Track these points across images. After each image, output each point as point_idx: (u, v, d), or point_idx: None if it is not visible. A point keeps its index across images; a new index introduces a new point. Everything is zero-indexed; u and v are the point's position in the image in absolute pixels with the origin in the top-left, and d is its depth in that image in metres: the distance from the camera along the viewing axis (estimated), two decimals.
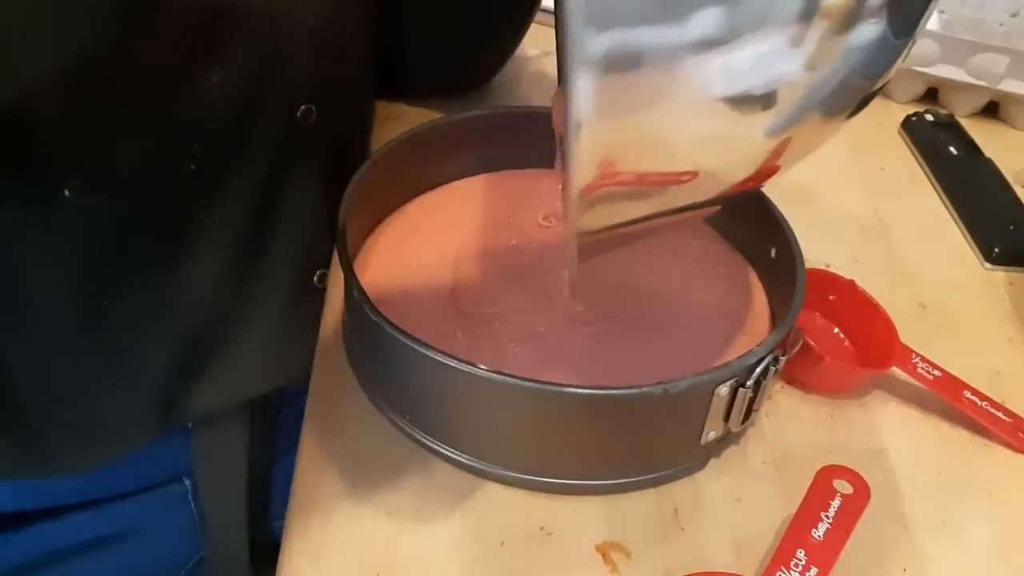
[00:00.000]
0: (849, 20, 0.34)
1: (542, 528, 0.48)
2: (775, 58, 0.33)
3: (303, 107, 0.51)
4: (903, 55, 0.38)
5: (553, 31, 0.42)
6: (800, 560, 0.42)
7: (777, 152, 0.39)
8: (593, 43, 0.31)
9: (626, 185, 0.37)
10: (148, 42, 0.42)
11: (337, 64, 0.55)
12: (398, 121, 0.73)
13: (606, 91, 0.32)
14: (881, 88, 0.39)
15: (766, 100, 0.35)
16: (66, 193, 0.43)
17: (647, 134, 0.35)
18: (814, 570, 0.42)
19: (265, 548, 0.63)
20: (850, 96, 0.38)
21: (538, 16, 0.71)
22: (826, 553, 0.43)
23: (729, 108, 0.34)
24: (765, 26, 0.33)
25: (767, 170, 0.41)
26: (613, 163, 0.35)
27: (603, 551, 0.47)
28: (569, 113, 0.33)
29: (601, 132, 0.33)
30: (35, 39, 0.36)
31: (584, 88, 0.32)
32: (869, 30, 0.34)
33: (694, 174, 0.38)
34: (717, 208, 0.46)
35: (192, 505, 0.61)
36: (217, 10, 0.44)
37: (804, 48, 0.34)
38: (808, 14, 0.33)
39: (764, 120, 0.36)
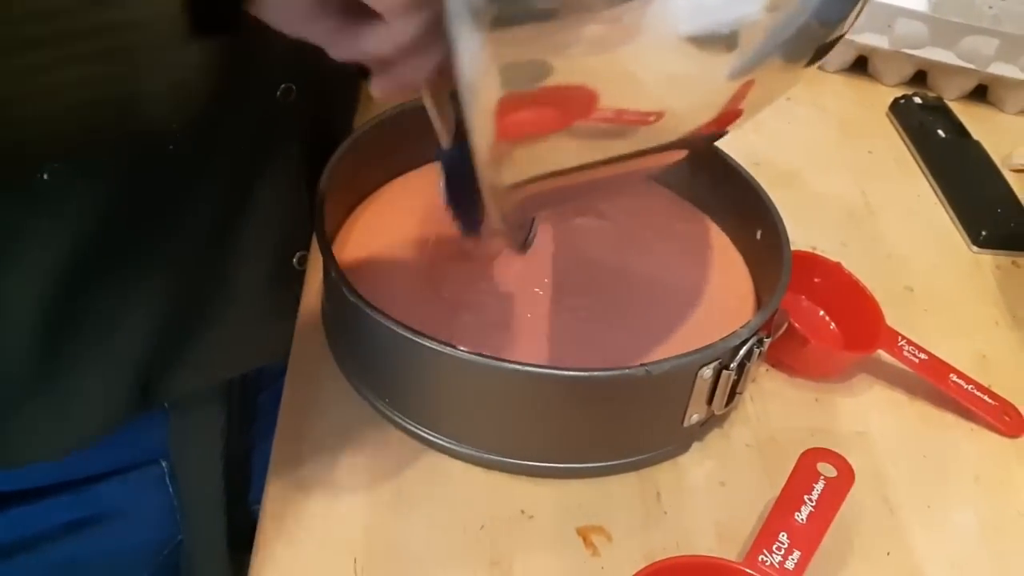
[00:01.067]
0: None
1: (523, 511, 0.47)
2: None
3: (283, 86, 0.50)
4: (859, 6, 0.38)
5: None
6: (783, 543, 0.42)
7: (740, 95, 0.38)
8: None
9: (547, 131, 0.34)
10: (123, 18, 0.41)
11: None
12: (384, 101, 0.72)
13: (501, 42, 0.29)
14: (837, 39, 0.39)
15: (729, 41, 0.34)
16: (44, 177, 0.43)
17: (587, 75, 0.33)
18: (797, 553, 0.41)
19: (244, 533, 0.62)
20: (808, 43, 0.38)
21: None
22: (809, 536, 0.42)
23: (695, 48, 0.34)
24: None
25: (729, 114, 0.40)
26: (522, 111, 0.32)
27: (584, 534, 0.46)
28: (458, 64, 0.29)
29: (497, 86, 0.30)
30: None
31: (474, 42, 0.29)
32: None
33: (643, 116, 0.37)
34: (674, 160, 0.45)
35: (170, 487, 0.60)
36: None
37: None
38: None
39: (728, 62, 0.35)
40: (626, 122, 0.35)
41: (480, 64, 0.29)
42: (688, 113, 0.38)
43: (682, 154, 0.44)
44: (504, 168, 0.34)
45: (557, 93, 0.32)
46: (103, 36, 0.40)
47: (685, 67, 0.34)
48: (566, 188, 0.40)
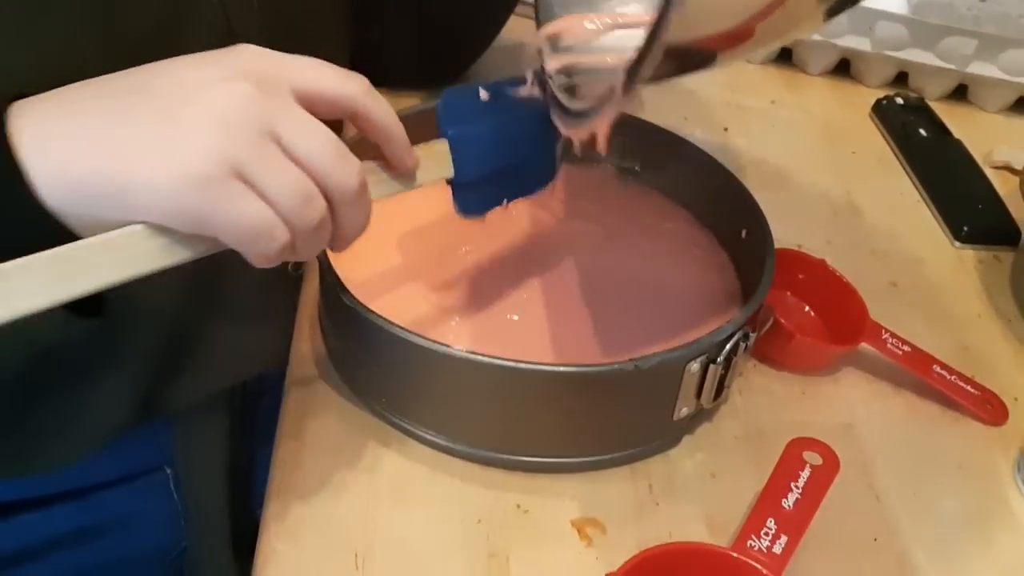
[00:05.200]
0: None
1: (519, 506, 0.48)
2: None
3: None
4: None
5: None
6: (770, 529, 0.43)
7: (765, 13, 0.37)
8: None
9: None
10: (106, 47, 0.42)
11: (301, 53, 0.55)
12: None
13: None
14: None
15: None
16: None
17: None
18: (784, 538, 0.43)
19: (248, 538, 0.63)
20: None
21: (517, 8, 0.72)
22: (796, 522, 0.44)
23: None
24: None
25: (741, 33, 0.39)
26: None
27: (579, 527, 0.48)
28: None
29: None
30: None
31: None
32: None
33: None
34: None
35: (175, 494, 0.61)
36: (173, 8, 0.45)
37: None
38: None
39: None
40: None
41: None
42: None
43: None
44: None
45: None
46: None
47: None
48: None
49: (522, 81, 0.50)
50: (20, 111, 0.36)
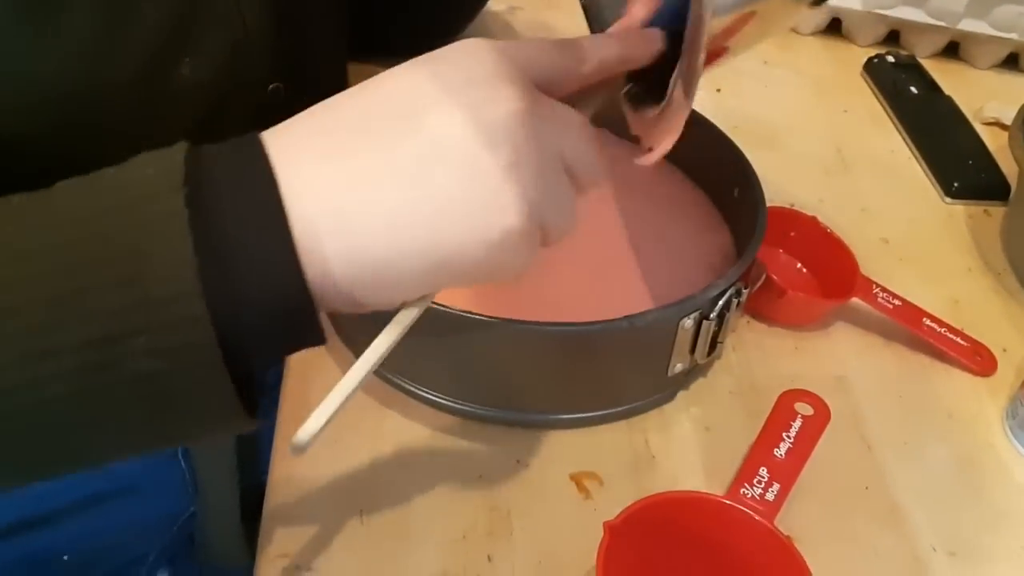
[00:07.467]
0: None
1: (518, 461, 0.50)
2: None
3: (272, 86, 0.52)
4: None
5: None
6: (763, 477, 0.44)
7: (733, 30, 0.37)
8: None
9: None
10: (125, 47, 0.43)
11: (307, 38, 0.56)
12: None
13: None
14: None
15: None
16: None
17: None
18: (776, 486, 0.44)
19: (256, 500, 0.64)
20: None
21: None
22: (788, 470, 0.45)
23: None
24: None
25: (713, 52, 0.39)
26: None
27: (577, 480, 0.49)
28: None
29: None
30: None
31: None
32: None
33: None
34: None
35: (182, 462, 0.62)
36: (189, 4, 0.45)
37: None
38: None
39: None
40: None
41: None
42: None
43: None
44: None
45: None
46: None
47: None
48: None
49: None
50: (287, 170, 0.31)
